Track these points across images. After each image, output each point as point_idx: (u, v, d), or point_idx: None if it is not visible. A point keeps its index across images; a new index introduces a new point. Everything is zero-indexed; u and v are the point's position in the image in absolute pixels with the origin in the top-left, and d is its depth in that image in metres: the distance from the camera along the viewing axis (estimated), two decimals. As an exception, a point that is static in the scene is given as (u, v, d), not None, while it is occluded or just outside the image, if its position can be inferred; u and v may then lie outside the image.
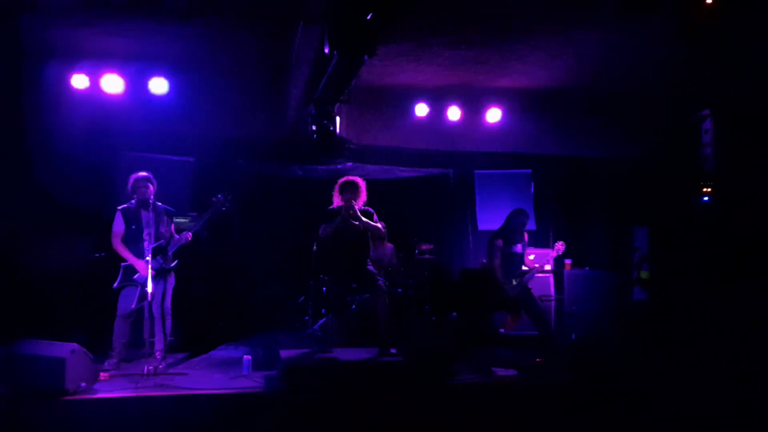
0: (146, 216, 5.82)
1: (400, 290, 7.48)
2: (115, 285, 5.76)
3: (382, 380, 5.27)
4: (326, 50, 4.63)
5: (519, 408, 4.76)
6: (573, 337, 7.07)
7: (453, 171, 9.08)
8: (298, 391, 4.93)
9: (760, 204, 7.30)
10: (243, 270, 7.77)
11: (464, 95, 7.79)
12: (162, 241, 5.86)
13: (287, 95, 7.15)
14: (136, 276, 5.76)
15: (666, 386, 5.05)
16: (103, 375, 5.32)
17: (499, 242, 6.69)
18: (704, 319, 6.75)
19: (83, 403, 4.63)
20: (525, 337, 7.01)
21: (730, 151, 7.66)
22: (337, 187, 6.16)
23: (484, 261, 7.43)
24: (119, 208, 5.91)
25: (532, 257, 7.58)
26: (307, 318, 7.77)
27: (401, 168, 8.73)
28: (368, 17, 4.39)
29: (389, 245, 7.86)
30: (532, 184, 8.97)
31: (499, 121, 8.10)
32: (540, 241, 8.69)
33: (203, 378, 5.51)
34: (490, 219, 8.60)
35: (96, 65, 6.73)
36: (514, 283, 6.67)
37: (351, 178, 6.33)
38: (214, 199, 6.00)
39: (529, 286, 6.78)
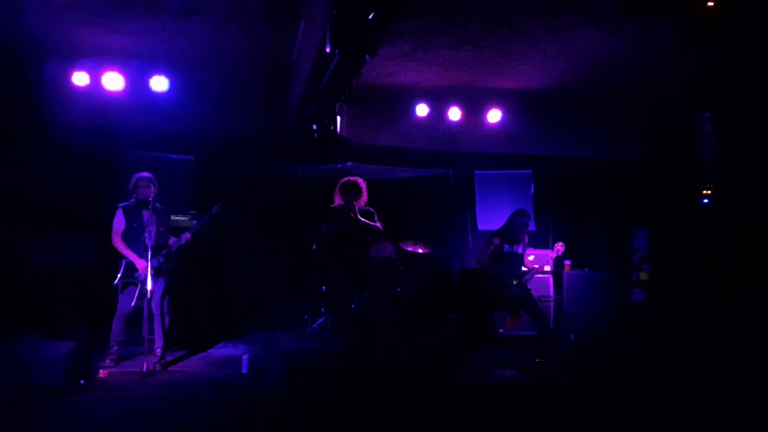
0: (147, 215, 5.83)
1: (399, 289, 7.48)
2: (116, 281, 5.76)
3: (382, 380, 5.26)
4: (327, 49, 4.62)
5: (518, 408, 4.75)
6: (572, 337, 7.07)
7: (453, 171, 9.08)
8: (298, 390, 4.93)
9: (761, 205, 7.31)
10: (242, 268, 7.77)
11: (465, 95, 7.78)
12: (162, 240, 5.87)
13: (288, 94, 7.14)
14: (137, 273, 5.77)
15: (666, 387, 5.05)
16: (101, 373, 5.32)
17: (496, 240, 6.69)
18: (704, 320, 6.75)
19: (81, 401, 4.63)
20: (524, 338, 7.02)
21: (731, 152, 7.67)
22: (337, 187, 6.16)
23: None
24: (120, 205, 5.91)
25: (531, 258, 7.58)
26: (306, 317, 7.77)
27: (401, 168, 8.73)
28: (370, 17, 4.39)
29: (389, 245, 7.86)
30: (532, 184, 8.96)
31: (500, 122, 8.10)
32: (539, 241, 8.69)
33: (202, 377, 5.50)
34: (489, 219, 8.59)
35: (97, 63, 6.73)
36: (514, 283, 6.67)
37: (351, 178, 6.34)
38: (213, 210, 6.00)
39: (529, 287, 6.79)
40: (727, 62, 6.36)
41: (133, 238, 5.82)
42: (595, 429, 4.33)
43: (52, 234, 6.35)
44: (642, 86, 7.34)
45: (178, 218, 6.38)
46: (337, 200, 6.09)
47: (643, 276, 8.43)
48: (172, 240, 5.96)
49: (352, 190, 5.95)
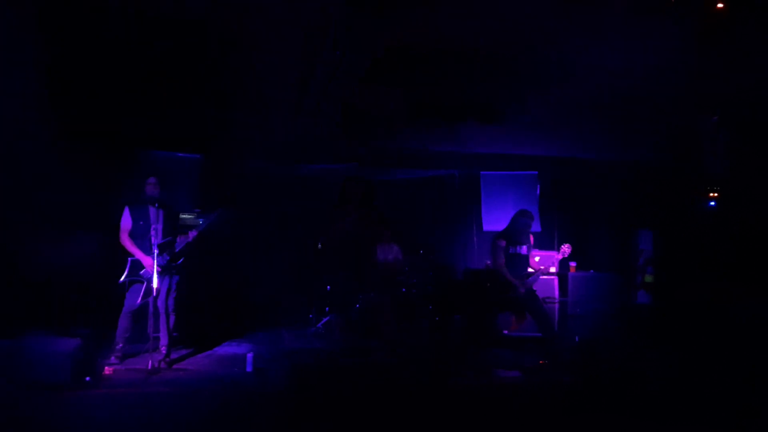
0: (153, 212, 5.88)
1: (404, 290, 7.50)
2: (122, 279, 5.80)
3: (385, 380, 5.29)
4: (335, 51, 4.65)
5: (522, 409, 4.76)
6: (576, 339, 7.06)
7: (458, 171, 9.09)
8: (301, 388, 4.95)
9: (766, 208, 7.28)
10: (247, 268, 7.80)
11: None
12: (169, 237, 5.90)
13: (295, 94, 7.15)
14: (142, 271, 5.80)
15: (669, 389, 5.05)
16: (107, 370, 5.36)
17: (502, 242, 6.67)
18: (708, 322, 6.73)
19: (87, 397, 4.67)
20: (528, 339, 7.02)
21: (737, 155, 7.64)
22: (343, 188, 6.18)
23: (488, 262, 7.43)
24: (126, 203, 5.95)
25: (537, 259, 7.57)
26: (311, 316, 7.80)
27: (407, 168, 8.74)
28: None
29: (394, 245, 7.88)
30: (538, 185, 8.96)
31: (506, 122, 8.07)
32: (545, 242, 8.69)
33: (206, 374, 5.53)
34: (494, 220, 8.60)
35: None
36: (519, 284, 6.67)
37: (357, 178, 6.36)
38: (220, 209, 6.03)
39: (533, 288, 6.78)
40: (735, 66, 6.33)
41: (139, 236, 5.87)
42: (596, 430, 4.33)
43: (58, 231, 6.40)
44: (649, 89, 7.31)
45: (184, 216, 6.42)
46: (343, 201, 6.11)
47: (647, 278, 8.41)
48: (179, 238, 5.99)
49: (358, 191, 5.97)
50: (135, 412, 4.47)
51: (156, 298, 5.66)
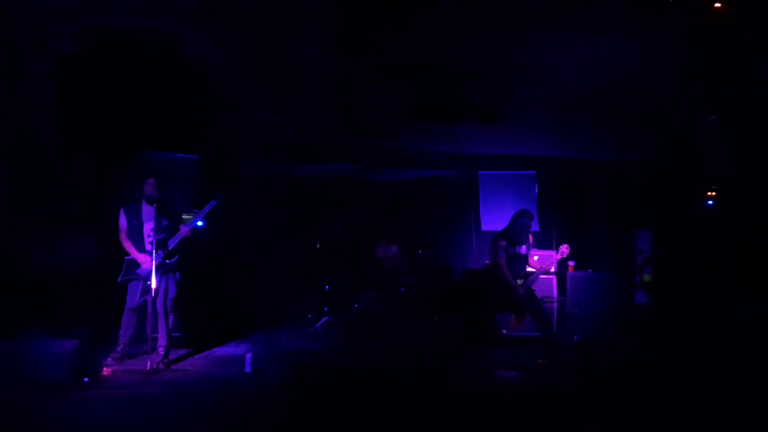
0: (147, 211, 5.90)
1: (402, 290, 7.49)
2: (120, 279, 5.83)
3: (384, 380, 5.28)
4: (332, 50, 4.65)
5: (521, 410, 4.76)
6: (575, 339, 7.06)
7: (457, 172, 9.08)
8: (300, 389, 4.95)
9: (765, 207, 7.28)
10: (246, 267, 7.79)
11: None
12: (163, 234, 5.89)
13: (292, 95, 7.15)
14: (138, 270, 5.81)
15: (667, 387, 5.05)
16: (106, 370, 5.35)
17: (503, 243, 6.66)
18: (707, 322, 6.74)
19: (85, 398, 4.66)
20: (528, 339, 7.02)
21: (736, 155, 7.64)
22: (342, 188, 6.18)
23: (488, 262, 7.43)
24: (123, 204, 5.97)
25: (536, 258, 7.57)
26: (309, 316, 7.79)
27: (405, 169, 8.73)
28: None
29: (393, 246, 7.87)
30: (536, 185, 8.96)
31: (504, 122, 8.07)
32: (543, 242, 8.68)
33: (205, 375, 5.52)
34: (493, 220, 8.59)
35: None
36: (519, 283, 6.66)
37: (356, 178, 6.36)
38: (212, 201, 6.02)
39: (533, 288, 6.78)
40: (733, 66, 6.33)
41: (133, 233, 5.90)
42: (596, 430, 4.33)
43: (58, 231, 6.39)
44: (647, 89, 7.31)
45: (185, 217, 6.41)
46: (342, 201, 6.11)
47: (646, 278, 8.41)
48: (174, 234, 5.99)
49: (357, 191, 5.97)
50: (133, 413, 4.46)
51: (155, 298, 5.65)
